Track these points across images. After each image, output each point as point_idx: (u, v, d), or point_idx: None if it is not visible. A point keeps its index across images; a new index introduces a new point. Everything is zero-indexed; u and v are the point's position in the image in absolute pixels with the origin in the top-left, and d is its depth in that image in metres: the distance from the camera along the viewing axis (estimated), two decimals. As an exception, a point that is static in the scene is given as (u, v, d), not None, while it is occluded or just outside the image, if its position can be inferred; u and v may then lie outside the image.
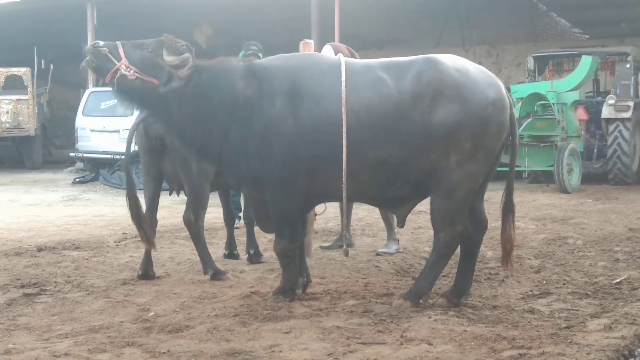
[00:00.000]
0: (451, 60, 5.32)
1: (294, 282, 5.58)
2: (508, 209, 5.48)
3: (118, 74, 5.31)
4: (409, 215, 5.83)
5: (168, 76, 5.33)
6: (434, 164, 5.18)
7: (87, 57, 5.41)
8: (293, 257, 5.55)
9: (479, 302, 5.52)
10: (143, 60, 5.35)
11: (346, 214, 7.70)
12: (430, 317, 5.05)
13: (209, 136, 5.39)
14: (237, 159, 5.38)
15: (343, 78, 5.25)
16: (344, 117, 5.16)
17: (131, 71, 5.31)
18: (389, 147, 5.19)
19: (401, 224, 5.74)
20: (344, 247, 5.85)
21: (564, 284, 6.08)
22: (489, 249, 7.27)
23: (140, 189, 6.58)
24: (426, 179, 5.26)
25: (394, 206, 5.67)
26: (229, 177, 5.73)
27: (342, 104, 5.17)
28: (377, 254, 7.34)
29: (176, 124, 5.48)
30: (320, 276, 6.30)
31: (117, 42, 5.38)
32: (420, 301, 5.33)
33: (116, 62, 5.31)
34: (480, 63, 5.75)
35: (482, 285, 6.03)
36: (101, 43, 5.35)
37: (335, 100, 5.20)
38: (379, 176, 5.30)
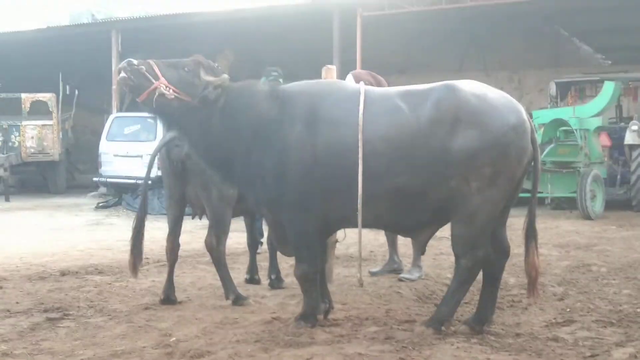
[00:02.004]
0: (470, 86, 5.34)
1: (316, 308, 5.57)
2: (531, 235, 5.44)
3: (157, 93, 5.31)
4: (431, 242, 5.81)
5: (203, 96, 5.39)
6: (454, 190, 5.17)
7: (123, 75, 5.29)
8: (314, 281, 5.55)
9: (502, 329, 5.47)
10: (181, 80, 5.39)
11: (391, 238, 7.74)
12: (452, 345, 5.02)
13: (233, 155, 5.46)
14: (256, 179, 5.43)
15: (361, 106, 5.28)
16: (360, 145, 5.18)
17: (170, 90, 5.34)
18: (406, 175, 5.20)
19: (422, 250, 5.72)
20: (359, 276, 5.83)
21: (588, 312, 6.01)
22: (511, 276, 7.22)
23: (162, 213, 6.61)
24: (446, 205, 5.25)
25: (413, 233, 5.66)
26: (249, 198, 5.77)
27: (358, 131, 5.20)
28: (399, 280, 7.33)
29: (204, 144, 5.53)
30: (341, 302, 6.28)
31: (150, 60, 5.38)
32: (443, 328, 5.30)
33: (153, 81, 5.31)
34: (502, 88, 5.73)
35: (504, 313, 5.98)
36: (135, 62, 5.31)
37: (352, 128, 5.24)
38: (397, 203, 5.30)
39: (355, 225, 5.40)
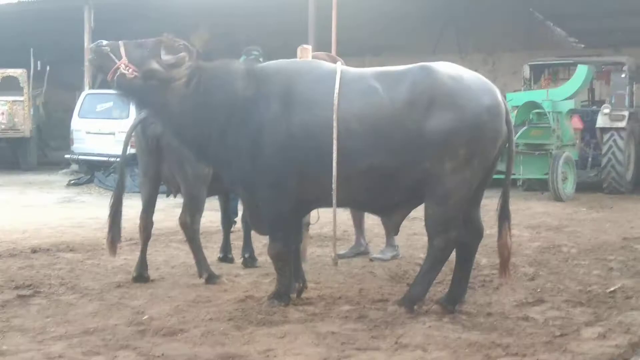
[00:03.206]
0: (445, 68, 5.35)
1: (289, 287, 5.59)
2: (504, 216, 5.49)
3: (117, 73, 5.36)
4: (404, 222, 5.84)
5: (166, 75, 5.37)
6: (428, 171, 5.19)
7: (91, 56, 5.59)
8: (287, 261, 5.56)
9: (474, 309, 5.52)
10: (142, 60, 5.41)
11: (358, 221, 7.74)
12: (424, 324, 5.06)
13: (207, 135, 5.44)
14: (232, 159, 5.42)
15: (337, 86, 5.27)
16: (334, 125, 5.17)
17: (130, 70, 5.36)
18: (381, 155, 5.21)
19: (396, 230, 5.74)
20: (334, 256, 5.84)
21: (558, 292, 6.09)
22: (483, 256, 7.27)
23: (135, 192, 6.58)
24: (420, 186, 5.27)
25: (387, 213, 5.68)
26: (224, 177, 5.77)
27: (333, 111, 5.20)
28: (371, 259, 7.35)
29: (175, 123, 5.55)
30: (315, 281, 6.30)
31: (119, 41, 5.46)
32: (415, 307, 5.34)
33: (117, 61, 5.37)
34: (476, 71, 5.75)
35: (476, 293, 6.03)
36: (104, 42, 5.45)
37: (326, 107, 5.23)
38: (371, 183, 5.31)
39: (329, 205, 5.41)
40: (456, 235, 5.32)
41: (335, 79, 5.32)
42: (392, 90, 5.25)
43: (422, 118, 5.16)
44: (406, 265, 7.14)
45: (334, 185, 5.23)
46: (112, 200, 6.49)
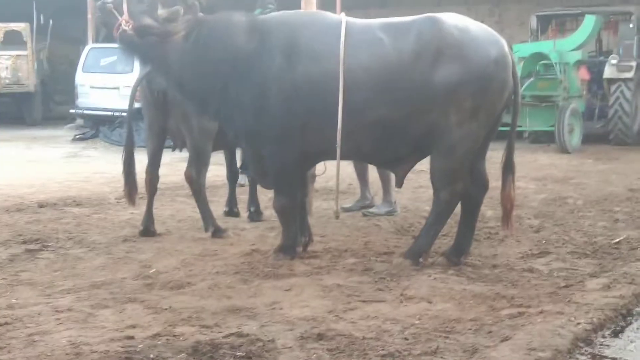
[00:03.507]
0: (452, 19, 5.30)
1: (295, 240, 5.61)
2: (508, 168, 5.48)
3: (120, 29, 5.36)
4: (410, 175, 5.84)
5: (161, 30, 5.35)
6: (434, 123, 5.18)
7: (97, 13, 5.67)
8: (292, 214, 5.58)
9: (479, 261, 5.55)
10: (138, 15, 5.40)
11: (362, 174, 7.73)
12: (430, 276, 5.09)
13: (209, 89, 5.43)
14: (235, 113, 5.40)
15: (342, 37, 5.21)
16: (341, 76, 5.13)
17: (130, 26, 5.35)
18: (387, 107, 5.19)
19: (399, 183, 5.76)
20: (335, 209, 5.83)
21: (564, 244, 6.11)
22: (489, 209, 7.27)
23: (140, 146, 6.59)
24: (426, 138, 5.26)
25: (392, 165, 5.68)
26: (228, 131, 5.75)
27: (339, 63, 5.15)
28: (363, 215, 7.33)
29: (176, 77, 5.54)
30: (320, 235, 6.32)
31: None
32: (420, 260, 5.36)
33: (119, 18, 5.36)
34: (482, 22, 5.69)
35: (481, 245, 6.06)
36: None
37: (332, 59, 5.18)
38: (377, 135, 5.30)
39: (334, 158, 5.41)
40: (462, 187, 5.32)
41: (340, 31, 5.26)
42: (398, 42, 5.21)
43: (428, 69, 5.13)
44: (412, 218, 7.16)
45: (338, 138, 5.21)
46: (124, 155, 6.50)
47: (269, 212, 7.02)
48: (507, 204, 5.49)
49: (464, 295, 4.67)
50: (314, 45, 5.30)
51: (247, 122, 5.38)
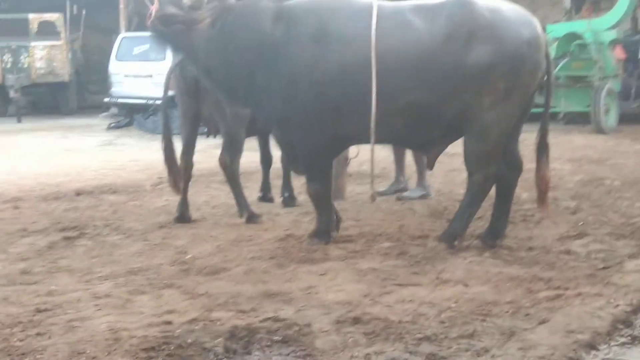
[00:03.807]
0: (484, 0, 5.23)
1: (329, 225, 5.62)
2: (542, 149, 5.43)
3: (152, 18, 5.40)
4: (443, 158, 5.82)
5: (185, 18, 5.37)
6: (467, 105, 5.15)
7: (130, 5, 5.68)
8: (326, 199, 5.59)
9: (515, 243, 5.51)
10: (171, 4, 5.44)
11: (400, 157, 7.71)
12: (465, 259, 5.07)
13: (236, 77, 5.43)
14: (265, 100, 5.40)
15: (374, 21, 5.18)
16: (373, 61, 5.11)
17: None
18: (419, 90, 5.16)
19: (431, 166, 5.74)
20: (372, 192, 5.82)
21: (601, 225, 6.03)
22: (524, 191, 7.18)
23: (175, 133, 6.63)
24: (459, 120, 5.23)
25: (425, 148, 5.65)
26: (259, 118, 5.76)
27: (371, 47, 5.12)
28: (398, 198, 7.30)
29: (203, 64, 5.55)
30: (354, 219, 6.32)
31: None
32: (455, 243, 5.34)
33: (150, 7, 5.42)
34: (515, 2, 5.63)
35: (517, 227, 6.01)
36: None
37: (364, 44, 5.15)
38: (410, 119, 5.28)
39: (366, 142, 5.39)
40: (496, 170, 5.28)
41: (371, 14, 5.23)
42: (430, 24, 5.17)
43: (460, 51, 5.09)
44: (446, 202, 7.12)
45: (372, 123, 5.20)
46: (163, 144, 6.52)
47: (302, 198, 7.03)
48: (542, 185, 5.44)
49: (501, 278, 4.65)
50: (344, 30, 5.27)
51: (277, 108, 5.38)
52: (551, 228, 5.97)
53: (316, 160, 5.49)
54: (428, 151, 5.65)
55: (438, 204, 7.03)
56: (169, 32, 5.47)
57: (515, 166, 5.48)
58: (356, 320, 3.97)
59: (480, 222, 5.95)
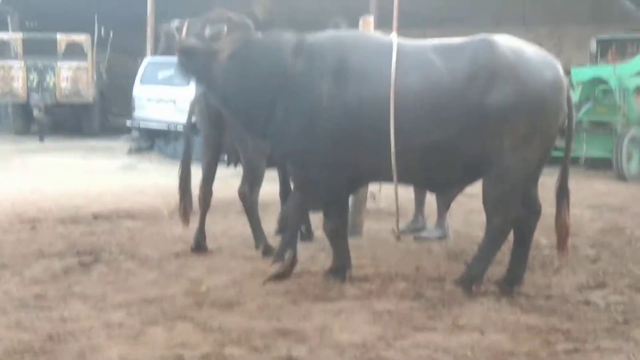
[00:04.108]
0: (506, 41, 5.22)
1: (345, 263, 5.58)
2: (562, 194, 5.37)
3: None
4: (462, 199, 5.77)
5: (205, 49, 5.42)
6: (487, 147, 5.09)
7: (161, 39, 5.78)
8: (343, 236, 5.56)
9: (533, 291, 5.43)
10: (193, 36, 5.54)
11: (420, 196, 7.65)
12: (482, 305, 5.01)
13: (254, 109, 5.43)
14: (283, 134, 5.39)
15: (393, 59, 5.17)
16: (391, 99, 5.08)
17: None
18: (438, 130, 5.11)
19: (446, 206, 5.69)
20: (396, 230, 5.79)
21: (621, 276, 5.94)
22: (542, 236, 7.12)
23: (196, 160, 6.64)
24: (478, 162, 5.18)
25: (442, 189, 5.60)
26: (275, 151, 5.75)
27: (390, 85, 5.11)
28: (415, 238, 7.24)
29: (221, 95, 5.58)
30: (371, 257, 6.27)
31: (187, 20, 5.52)
32: (473, 288, 5.27)
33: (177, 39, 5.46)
34: (541, 44, 5.60)
35: (535, 274, 5.93)
36: (175, 23, 5.53)
37: (383, 82, 5.13)
38: (428, 159, 5.23)
39: (384, 180, 5.36)
40: (515, 213, 5.23)
41: (391, 52, 5.22)
42: (452, 64, 5.14)
43: (482, 92, 5.05)
44: (464, 243, 7.05)
45: (393, 161, 5.16)
46: (180, 171, 6.54)
47: (319, 233, 6.99)
48: (562, 231, 5.37)
49: (518, 326, 4.58)
50: (363, 66, 5.26)
51: (295, 143, 5.36)
52: (570, 276, 5.89)
53: (333, 197, 5.47)
54: (445, 192, 5.60)
55: (456, 245, 6.97)
56: (191, 62, 5.52)
57: (533, 210, 5.42)
58: (370, 364, 3.93)
59: (498, 268, 5.88)
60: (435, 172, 5.33)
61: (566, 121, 5.33)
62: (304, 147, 5.33)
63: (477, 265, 5.38)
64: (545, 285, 5.60)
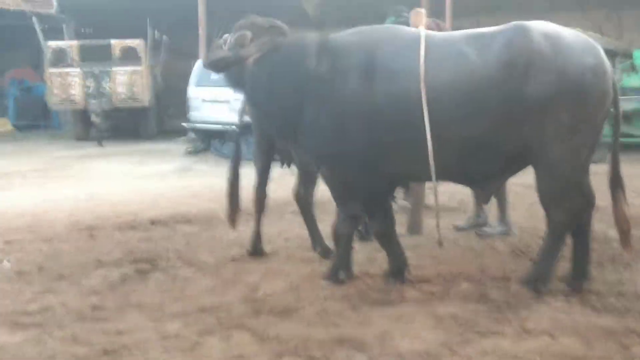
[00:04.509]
0: (542, 27, 4.94)
1: (401, 263, 5.41)
2: (616, 183, 5.09)
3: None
4: (524, 190, 5.54)
5: (233, 58, 5.37)
6: (529, 139, 4.84)
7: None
8: (391, 237, 5.41)
9: (604, 288, 5.17)
10: (219, 47, 5.48)
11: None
12: (551, 306, 4.77)
13: (282, 113, 5.32)
14: (313, 138, 5.24)
15: (422, 53, 4.96)
16: (423, 94, 4.88)
17: None
18: (474, 123, 4.88)
19: (486, 200, 5.47)
20: (438, 237, 5.55)
21: (698, 270, 5.64)
22: (610, 228, 6.83)
23: (250, 159, 6.54)
24: (519, 155, 4.95)
25: (481, 183, 5.38)
26: (308, 156, 5.63)
27: (420, 79, 4.90)
28: (477, 234, 7.01)
29: (251, 100, 5.57)
30: (432, 256, 6.08)
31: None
32: (540, 287, 5.04)
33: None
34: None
35: (605, 270, 5.66)
36: (225, 37, 5.50)
37: (412, 76, 4.93)
38: (465, 153, 5.00)
39: (422, 179, 5.16)
40: (574, 205, 4.97)
41: (419, 45, 5.02)
42: (485, 54, 4.90)
43: (518, 81, 4.78)
44: (528, 239, 6.80)
45: (430, 159, 4.97)
46: (229, 173, 6.46)
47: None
48: (623, 223, 5.09)
49: (590, 328, 4.34)
50: (391, 62, 5.05)
51: (326, 146, 5.21)
52: (643, 271, 5.61)
53: (372, 199, 5.31)
54: (483, 186, 5.39)
55: (520, 241, 6.72)
56: (224, 72, 5.55)
57: (587, 200, 5.15)
58: (434, 374, 3.75)
59: (566, 264, 5.63)
60: (474, 167, 5.10)
61: (613, 106, 5.05)
62: (336, 150, 5.17)
63: (542, 264, 5.14)
64: (616, 282, 5.35)
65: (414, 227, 7.05)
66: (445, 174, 5.29)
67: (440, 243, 5.55)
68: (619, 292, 5.09)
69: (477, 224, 7.29)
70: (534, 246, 6.40)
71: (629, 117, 12.74)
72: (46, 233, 7.53)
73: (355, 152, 5.10)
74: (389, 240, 5.42)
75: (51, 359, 4.08)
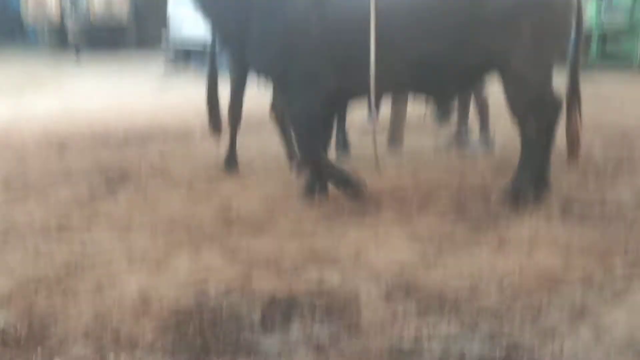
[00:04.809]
0: None
1: (347, 178, 5.18)
2: (573, 99, 4.96)
3: None
4: (503, 108, 5.36)
5: None
6: (492, 53, 4.70)
7: None
8: (323, 157, 5.23)
9: (586, 197, 5.08)
10: None
11: (460, 107, 7.17)
12: (530, 219, 4.63)
13: (229, 26, 5.23)
14: (259, 54, 5.12)
15: None
16: (372, 10, 4.66)
17: None
18: (430, 41, 4.70)
19: (447, 117, 5.28)
20: (376, 162, 5.34)
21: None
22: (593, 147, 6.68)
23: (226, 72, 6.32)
24: (480, 69, 4.84)
25: (439, 99, 5.23)
26: (255, 70, 5.47)
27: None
28: (457, 149, 6.86)
29: (203, 11, 5.44)
30: (411, 175, 5.90)
31: None
32: (519, 200, 4.90)
33: None
34: None
35: (589, 181, 5.54)
36: None
37: None
38: (423, 71, 4.82)
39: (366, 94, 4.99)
40: (542, 115, 4.84)
41: None
42: None
43: None
44: (509, 155, 6.61)
45: (371, 79, 4.79)
46: (207, 86, 6.23)
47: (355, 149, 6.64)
48: (573, 138, 4.98)
49: (570, 243, 4.21)
50: None
51: (273, 62, 5.05)
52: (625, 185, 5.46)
53: (306, 124, 5.13)
54: (445, 102, 5.21)
55: (501, 158, 6.54)
56: None
57: (554, 107, 4.97)
58: (408, 290, 3.61)
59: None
60: (434, 85, 4.98)
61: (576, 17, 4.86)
62: (282, 67, 5.01)
63: (520, 177, 5.00)
64: (599, 191, 5.22)
65: (395, 141, 6.87)
66: (402, 88, 5.19)
67: (377, 168, 5.35)
68: (602, 200, 4.99)
69: (458, 142, 7.10)
70: (514, 162, 6.23)
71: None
72: (15, 147, 7.30)
73: (303, 69, 4.92)
74: (322, 161, 5.22)
75: (11, 273, 3.90)
